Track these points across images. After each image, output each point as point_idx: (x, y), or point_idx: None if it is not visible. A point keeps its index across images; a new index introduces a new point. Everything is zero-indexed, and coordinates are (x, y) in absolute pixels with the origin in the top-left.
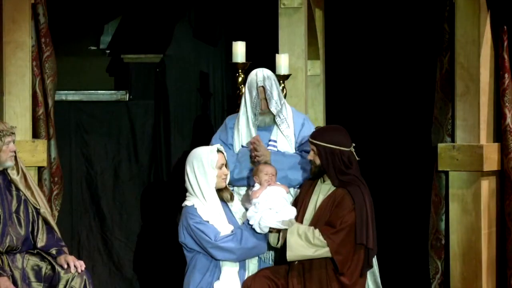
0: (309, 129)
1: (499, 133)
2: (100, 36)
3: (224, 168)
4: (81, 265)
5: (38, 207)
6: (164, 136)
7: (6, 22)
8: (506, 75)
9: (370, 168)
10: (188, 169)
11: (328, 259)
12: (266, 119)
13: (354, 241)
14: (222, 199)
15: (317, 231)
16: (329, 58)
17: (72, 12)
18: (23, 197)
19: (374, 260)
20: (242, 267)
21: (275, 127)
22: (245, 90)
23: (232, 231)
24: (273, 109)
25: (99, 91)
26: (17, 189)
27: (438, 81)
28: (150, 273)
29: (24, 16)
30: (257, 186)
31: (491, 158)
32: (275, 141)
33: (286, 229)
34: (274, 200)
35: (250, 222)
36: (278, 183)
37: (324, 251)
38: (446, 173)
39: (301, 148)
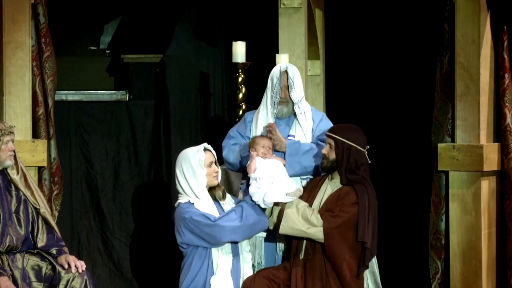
0: (327, 124)
1: (499, 133)
2: (100, 36)
3: (213, 165)
4: (81, 265)
5: (38, 207)
6: (164, 136)
7: (6, 22)
8: (506, 75)
9: (370, 168)
10: (177, 171)
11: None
12: (284, 109)
13: (350, 236)
14: (214, 198)
15: (316, 211)
16: (329, 58)
17: (72, 12)
18: (22, 197)
19: (374, 260)
20: (236, 260)
21: (294, 121)
22: (268, 81)
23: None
24: (294, 97)
25: (99, 91)
26: (17, 189)
27: (438, 81)
28: (150, 273)
29: (24, 16)
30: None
31: (491, 158)
32: (293, 136)
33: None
34: (274, 174)
35: (254, 199)
36: (274, 155)
37: (316, 230)
38: (446, 173)
39: (318, 138)
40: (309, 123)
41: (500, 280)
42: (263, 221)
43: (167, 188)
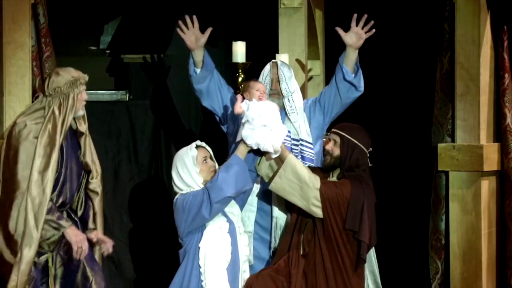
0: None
1: (499, 133)
2: (100, 36)
3: (209, 161)
4: (84, 251)
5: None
6: (164, 136)
7: (6, 22)
8: (506, 75)
9: (370, 167)
10: (173, 173)
11: (328, 253)
12: (275, 101)
13: (343, 218)
14: None
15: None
16: (329, 58)
17: (72, 12)
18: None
19: (374, 261)
20: (235, 253)
21: (286, 118)
22: (260, 74)
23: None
24: (284, 90)
25: (99, 91)
26: (80, 150)
27: (438, 81)
28: (150, 273)
29: (24, 16)
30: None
31: (491, 158)
32: (288, 131)
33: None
34: (269, 117)
35: (247, 141)
36: (268, 100)
37: (310, 191)
38: (446, 173)
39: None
40: (300, 116)
41: (500, 280)
42: (242, 165)
43: (167, 188)
